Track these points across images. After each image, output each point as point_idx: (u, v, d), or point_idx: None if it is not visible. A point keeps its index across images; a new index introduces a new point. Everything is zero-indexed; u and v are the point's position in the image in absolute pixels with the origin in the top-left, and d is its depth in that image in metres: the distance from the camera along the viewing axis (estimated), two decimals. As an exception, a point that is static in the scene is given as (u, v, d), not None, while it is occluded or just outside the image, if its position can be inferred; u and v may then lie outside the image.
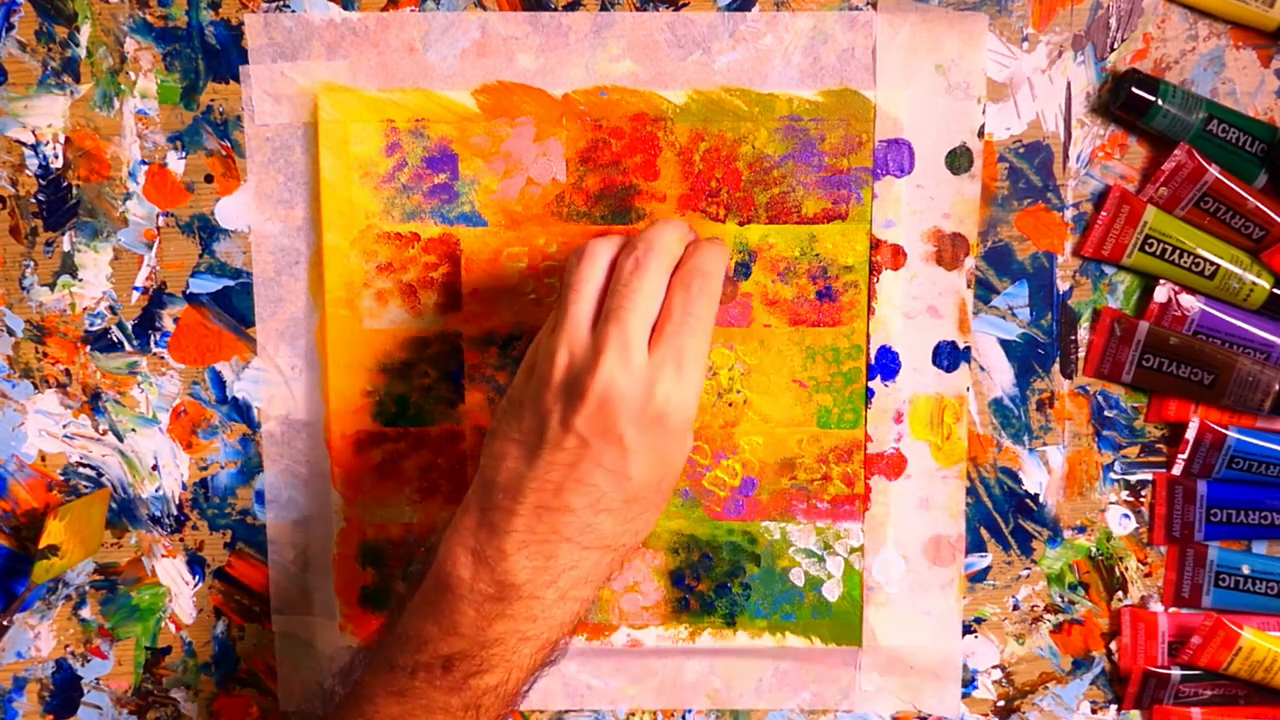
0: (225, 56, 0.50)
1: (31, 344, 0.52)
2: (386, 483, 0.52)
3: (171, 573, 0.53)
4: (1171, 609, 0.52)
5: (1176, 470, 0.51)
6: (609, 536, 0.41)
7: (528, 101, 0.49)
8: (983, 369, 0.51)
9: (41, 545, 0.49)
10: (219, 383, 0.52)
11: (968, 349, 0.51)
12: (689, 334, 0.39)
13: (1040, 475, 0.52)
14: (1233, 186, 0.48)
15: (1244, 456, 0.50)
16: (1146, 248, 0.49)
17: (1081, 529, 0.52)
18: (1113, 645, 0.53)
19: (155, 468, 0.53)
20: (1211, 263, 0.49)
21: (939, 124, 0.49)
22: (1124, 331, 0.50)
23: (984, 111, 0.49)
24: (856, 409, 0.51)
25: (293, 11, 0.49)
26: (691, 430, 0.41)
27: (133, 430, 0.52)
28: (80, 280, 0.51)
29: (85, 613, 0.54)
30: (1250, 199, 0.48)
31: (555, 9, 0.49)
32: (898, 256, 0.50)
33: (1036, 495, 0.52)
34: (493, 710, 0.40)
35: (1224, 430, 0.50)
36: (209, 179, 0.51)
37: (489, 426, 0.43)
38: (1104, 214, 0.49)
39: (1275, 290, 0.49)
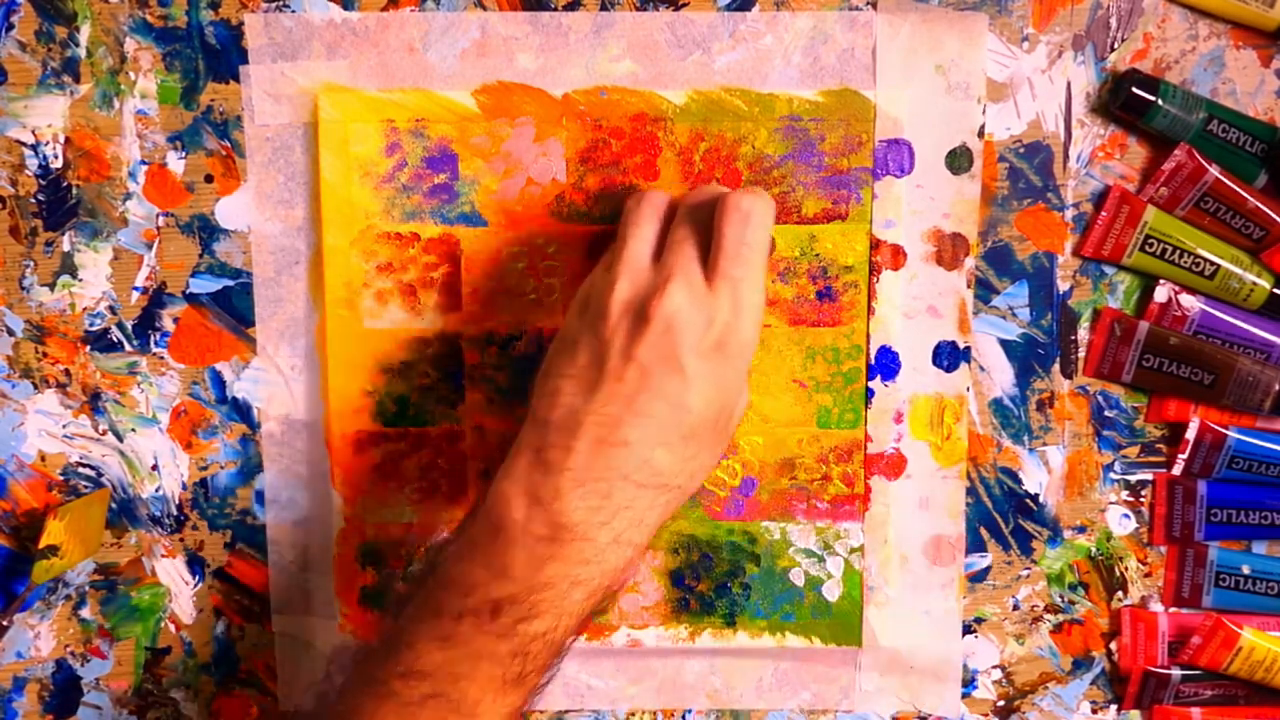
0: (225, 56, 0.50)
1: (31, 344, 0.52)
2: (386, 483, 0.52)
3: (171, 573, 0.53)
4: (1171, 609, 0.52)
5: (1176, 470, 0.51)
6: (665, 474, 0.40)
7: (528, 101, 0.49)
8: (983, 369, 0.51)
9: (41, 545, 0.49)
10: (219, 383, 0.52)
11: (968, 349, 0.51)
12: (744, 263, 0.40)
13: (1040, 475, 0.52)
14: (1233, 186, 0.48)
15: (1244, 456, 0.50)
16: (1146, 248, 0.49)
17: (1081, 529, 0.52)
18: (1113, 645, 0.53)
19: (155, 468, 0.53)
20: (1211, 263, 0.49)
21: (939, 124, 0.49)
22: (1124, 331, 0.50)
23: (984, 111, 0.49)
24: (856, 409, 0.51)
25: (293, 11, 0.49)
26: (748, 369, 0.42)
27: (133, 430, 0.52)
28: (80, 280, 0.51)
29: (85, 613, 0.54)
30: (1250, 199, 0.48)
31: (555, 9, 0.49)
32: (898, 256, 0.50)
33: (1036, 495, 0.52)
34: (540, 658, 0.40)
35: (1224, 430, 0.50)
36: (209, 179, 0.51)
37: (540, 370, 0.43)
38: (1104, 214, 0.49)
39: (1275, 290, 0.49)
